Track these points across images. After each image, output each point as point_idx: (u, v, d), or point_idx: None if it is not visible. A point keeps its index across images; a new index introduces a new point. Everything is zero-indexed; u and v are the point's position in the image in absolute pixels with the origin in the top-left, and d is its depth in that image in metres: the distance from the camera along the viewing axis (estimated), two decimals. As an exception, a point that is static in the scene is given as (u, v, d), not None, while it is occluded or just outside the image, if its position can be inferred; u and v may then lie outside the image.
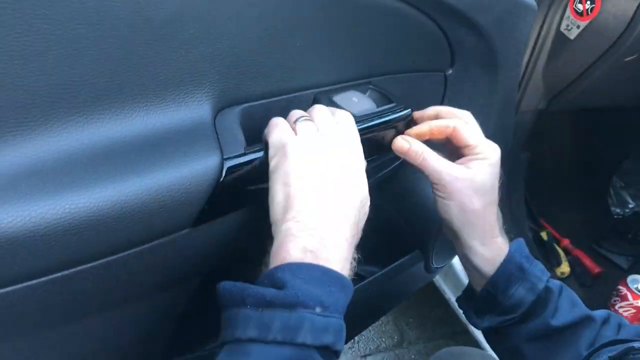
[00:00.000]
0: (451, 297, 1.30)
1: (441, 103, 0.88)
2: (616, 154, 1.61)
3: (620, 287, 1.24)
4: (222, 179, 0.52)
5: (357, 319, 0.97)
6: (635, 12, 1.03)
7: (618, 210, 1.57)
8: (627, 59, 1.11)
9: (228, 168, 0.52)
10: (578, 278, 1.38)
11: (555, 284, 0.68)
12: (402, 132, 0.71)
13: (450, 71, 0.84)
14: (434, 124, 0.68)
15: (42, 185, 0.43)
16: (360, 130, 0.61)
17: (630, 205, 1.57)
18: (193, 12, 0.49)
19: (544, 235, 1.46)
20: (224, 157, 0.52)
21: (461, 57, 0.83)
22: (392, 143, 0.69)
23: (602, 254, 1.46)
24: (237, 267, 0.66)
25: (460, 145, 0.68)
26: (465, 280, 1.31)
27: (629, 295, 1.21)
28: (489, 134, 0.96)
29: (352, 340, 1.56)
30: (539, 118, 1.29)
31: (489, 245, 0.67)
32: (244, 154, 0.54)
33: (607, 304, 1.27)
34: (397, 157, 0.72)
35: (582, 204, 1.61)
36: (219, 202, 0.53)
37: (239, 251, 0.64)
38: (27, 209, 0.41)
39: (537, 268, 0.68)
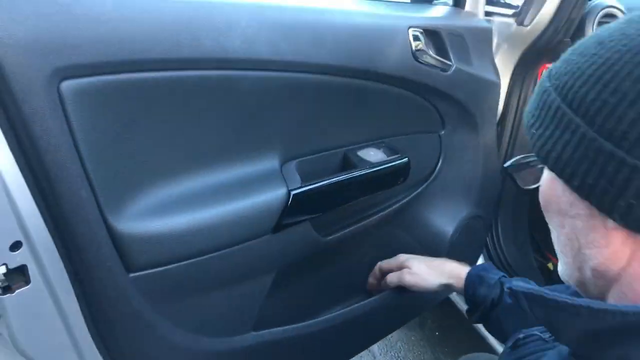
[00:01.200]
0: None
1: (439, 157, 1.20)
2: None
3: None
4: (289, 202, 0.86)
5: (383, 323, 1.24)
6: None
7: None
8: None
9: (293, 194, 0.86)
10: (582, 300, 1.63)
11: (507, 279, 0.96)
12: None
13: (442, 132, 1.17)
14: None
15: (191, 204, 0.77)
16: (376, 171, 0.95)
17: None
18: (278, 99, 0.84)
19: (550, 266, 1.73)
20: (289, 188, 0.86)
21: (449, 122, 1.16)
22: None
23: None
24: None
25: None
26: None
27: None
28: (480, 178, 1.28)
29: (395, 367, 1.82)
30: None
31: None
32: (302, 187, 0.88)
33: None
34: (410, 191, 1.06)
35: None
36: (288, 216, 0.87)
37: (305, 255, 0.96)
38: (192, 217, 0.76)
39: (492, 273, 0.97)
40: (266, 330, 0.95)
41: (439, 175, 1.22)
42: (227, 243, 0.81)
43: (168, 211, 0.75)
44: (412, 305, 1.28)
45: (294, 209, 0.87)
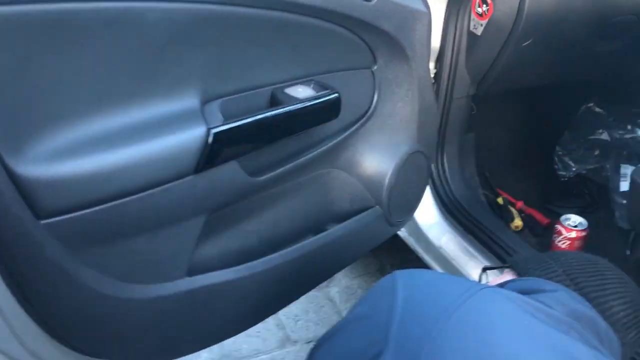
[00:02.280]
0: (423, 255, 1.58)
1: (373, 93, 1.19)
2: (556, 128, 1.90)
3: (556, 225, 1.52)
4: (209, 141, 0.83)
5: (330, 262, 1.23)
6: (519, 6, 1.34)
7: (563, 173, 1.85)
8: (524, 44, 1.42)
9: (213, 133, 0.84)
10: (531, 230, 1.66)
11: None
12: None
13: (375, 67, 1.15)
14: None
15: (101, 146, 0.74)
16: (303, 107, 0.93)
17: (573, 169, 1.85)
18: (191, 34, 0.80)
19: (500, 200, 1.75)
20: (209, 126, 0.84)
21: (380, 56, 1.14)
22: None
23: (552, 210, 1.74)
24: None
25: None
26: (427, 234, 1.59)
27: (563, 230, 1.49)
28: (417, 113, 1.27)
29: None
30: (476, 102, 1.60)
31: None
32: (223, 124, 0.85)
33: (550, 242, 1.55)
34: (345, 129, 1.04)
35: (532, 172, 1.89)
36: (209, 156, 0.84)
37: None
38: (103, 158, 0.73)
39: None
40: (201, 275, 0.93)
41: (375, 112, 1.20)
42: (145, 185, 0.79)
43: (76, 153, 0.72)
44: (351, 247, 1.27)
45: (216, 148, 0.84)
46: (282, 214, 1.12)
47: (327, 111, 1.03)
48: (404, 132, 1.26)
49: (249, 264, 1.01)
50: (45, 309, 0.78)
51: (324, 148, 1.12)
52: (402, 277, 0.73)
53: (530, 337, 0.65)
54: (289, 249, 1.08)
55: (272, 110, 0.93)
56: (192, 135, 0.82)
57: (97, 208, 0.75)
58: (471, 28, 1.43)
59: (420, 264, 1.63)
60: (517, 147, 1.91)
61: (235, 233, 1.02)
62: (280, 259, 1.05)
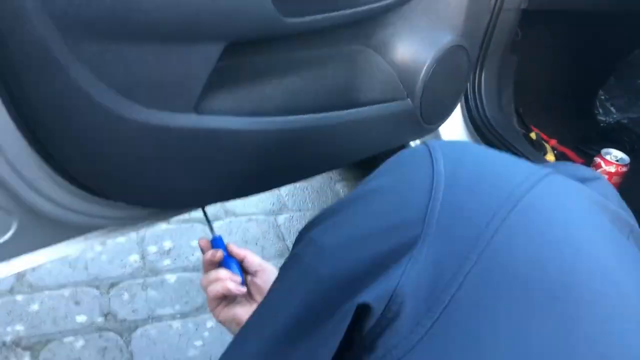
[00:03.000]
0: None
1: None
2: (603, 68, 1.76)
3: (595, 157, 1.40)
4: None
5: (347, 145, 1.12)
6: None
7: (603, 119, 1.72)
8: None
9: None
10: (563, 168, 1.54)
11: None
12: None
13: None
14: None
15: None
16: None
17: (614, 115, 1.72)
18: None
19: (532, 135, 1.62)
20: None
21: None
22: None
23: (587, 152, 1.62)
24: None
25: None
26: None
27: (602, 163, 1.37)
28: (468, 3, 1.15)
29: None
30: (524, 21, 1.46)
31: None
32: None
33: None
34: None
35: (569, 113, 1.77)
36: None
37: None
38: None
39: None
40: (209, 116, 0.82)
41: (422, -9, 1.07)
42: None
43: None
44: (373, 135, 1.15)
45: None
46: (304, 84, 1.00)
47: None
48: (449, 20, 1.13)
49: (264, 118, 0.90)
50: (33, 114, 0.68)
51: (363, 9, 0.99)
52: (442, 148, 0.56)
53: (605, 237, 0.51)
54: (307, 116, 0.96)
55: None
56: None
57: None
58: None
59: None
60: (557, 82, 1.78)
61: (250, 87, 0.91)
62: (296, 124, 0.94)
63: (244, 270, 0.92)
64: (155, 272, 1.49)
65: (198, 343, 1.33)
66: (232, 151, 0.88)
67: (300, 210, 1.81)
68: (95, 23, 0.66)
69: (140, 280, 1.46)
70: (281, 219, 1.76)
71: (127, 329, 1.33)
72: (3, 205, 0.83)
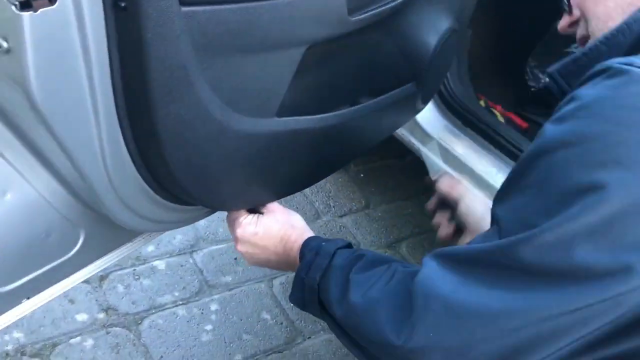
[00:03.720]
0: (419, 146, 1.57)
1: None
2: (533, 37, 1.95)
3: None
4: None
5: (353, 143, 1.18)
6: None
7: (533, 84, 1.93)
8: None
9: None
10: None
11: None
12: None
13: None
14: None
15: None
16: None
17: (542, 81, 1.93)
18: None
19: (482, 103, 1.78)
20: None
21: None
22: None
23: (527, 116, 1.81)
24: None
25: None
26: (430, 131, 1.59)
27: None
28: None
29: (328, 205, 1.81)
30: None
31: None
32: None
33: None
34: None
35: (505, 80, 1.95)
36: None
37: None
38: None
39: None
40: (289, 118, 0.84)
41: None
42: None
43: None
44: (381, 124, 1.22)
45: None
46: (344, 76, 1.03)
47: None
48: (450, 7, 1.21)
49: (325, 115, 0.93)
50: (151, 119, 0.65)
51: (391, 4, 1.03)
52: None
53: None
54: (353, 108, 1.01)
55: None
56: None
57: (232, 6, 0.63)
58: None
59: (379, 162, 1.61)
60: (491, 52, 1.94)
61: (314, 85, 0.93)
62: (344, 117, 0.99)
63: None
64: (142, 259, 1.45)
65: (208, 327, 1.34)
66: (305, 148, 0.91)
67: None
68: (223, 39, 0.65)
69: (130, 270, 1.42)
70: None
71: (132, 322, 1.30)
72: (72, 218, 0.80)
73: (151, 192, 0.77)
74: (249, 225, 0.88)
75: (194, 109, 0.67)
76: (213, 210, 0.96)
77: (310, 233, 0.88)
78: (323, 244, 0.82)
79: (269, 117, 0.81)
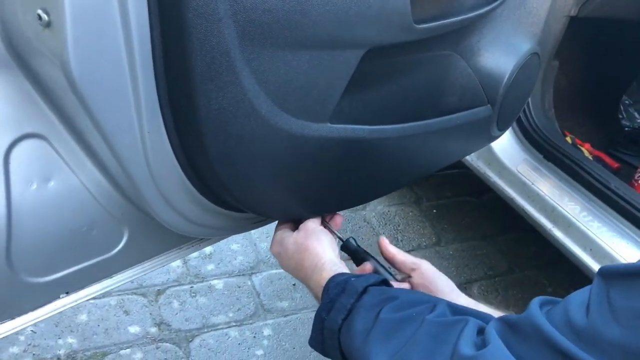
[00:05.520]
0: (496, 179, 1.47)
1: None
2: (629, 73, 1.81)
3: (640, 169, 1.45)
4: None
5: (414, 161, 1.11)
6: None
7: (627, 124, 1.78)
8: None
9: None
10: (603, 171, 1.58)
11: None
12: None
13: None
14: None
15: None
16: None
17: (638, 120, 1.78)
18: None
19: (568, 139, 1.66)
20: None
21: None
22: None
23: (618, 156, 1.66)
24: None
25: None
26: (508, 163, 1.49)
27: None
28: (546, 9, 1.15)
29: (396, 239, 1.73)
30: (570, 25, 1.48)
31: None
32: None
33: (629, 182, 1.47)
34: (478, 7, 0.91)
35: (596, 117, 1.81)
36: None
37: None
38: None
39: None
40: (341, 125, 0.79)
41: (508, -3, 1.07)
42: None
43: None
44: (452, 144, 1.14)
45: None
46: (404, 90, 0.98)
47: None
48: (530, 28, 1.14)
49: (381, 127, 0.88)
50: (192, 107, 0.63)
51: (460, 19, 0.98)
52: None
53: None
54: (410, 124, 0.95)
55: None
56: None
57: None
58: None
59: (453, 198, 1.52)
60: (584, 87, 1.82)
61: (372, 94, 0.88)
62: (402, 132, 0.93)
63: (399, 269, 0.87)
64: (200, 277, 1.44)
65: (259, 352, 1.29)
66: (357, 160, 0.86)
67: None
68: (271, 29, 0.62)
69: (187, 287, 1.41)
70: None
71: (183, 339, 1.28)
72: (117, 215, 0.79)
73: (194, 190, 0.74)
74: (276, 242, 0.84)
75: (237, 100, 0.64)
76: (261, 221, 0.92)
77: (333, 266, 0.75)
78: (352, 279, 0.69)
79: (321, 122, 0.77)
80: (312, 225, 0.83)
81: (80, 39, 0.53)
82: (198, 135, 0.66)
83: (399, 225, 1.79)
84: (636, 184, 1.45)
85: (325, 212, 0.91)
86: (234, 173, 0.71)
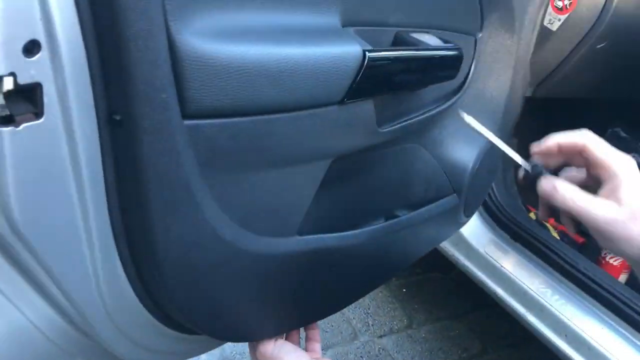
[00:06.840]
0: (465, 262, 1.45)
1: (471, 64, 1.07)
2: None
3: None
4: (364, 64, 0.67)
5: (387, 261, 1.08)
6: (605, 3, 1.28)
7: (589, 195, 1.80)
8: (598, 46, 1.35)
9: (368, 56, 0.68)
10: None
11: None
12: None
13: (479, 35, 1.04)
14: (562, 139, 0.70)
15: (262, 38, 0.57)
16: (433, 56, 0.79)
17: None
18: None
19: (532, 215, 1.66)
20: (363, 48, 0.68)
21: (489, 24, 1.03)
22: (537, 185, 0.70)
23: (582, 230, 1.67)
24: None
25: (592, 164, 0.66)
26: (475, 245, 1.48)
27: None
28: (507, 97, 1.17)
29: (367, 324, 1.67)
30: (525, 105, 1.52)
31: None
32: (376, 50, 0.70)
33: (596, 259, 1.47)
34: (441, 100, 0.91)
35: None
36: (359, 83, 0.68)
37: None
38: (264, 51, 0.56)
39: None
40: (311, 236, 0.76)
41: (468, 88, 1.08)
42: (293, 104, 0.62)
43: (238, 38, 0.55)
44: (422, 238, 1.13)
45: (368, 75, 0.68)
46: (361, 187, 0.96)
47: (448, 68, 0.90)
48: (490, 115, 1.15)
49: (349, 232, 0.85)
50: (150, 239, 0.58)
51: (422, 116, 0.98)
52: None
53: None
54: (378, 225, 0.92)
55: (414, 50, 0.79)
56: (348, 52, 0.66)
57: (243, 119, 0.58)
58: (545, 22, 1.35)
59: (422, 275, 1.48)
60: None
61: (337, 200, 0.86)
62: (370, 234, 0.90)
63: None
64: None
65: None
66: (328, 269, 0.82)
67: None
68: (236, 154, 0.59)
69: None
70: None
71: None
72: (71, 350, 0.72)
73: (154, 320, 0.68)
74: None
75: (199, 229, 0.60)
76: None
77: None
78: None
79: (289, 236, 0.73)
80: (283, 343, 0.78)
81: (23, 184, 0.49)
82: (156, 265, 0.61)
83: (369, 308, 1.74)
84: (603, 261, 1.45)
85: (301, 325, 0.86)
86: (197, 303, 0.66)
